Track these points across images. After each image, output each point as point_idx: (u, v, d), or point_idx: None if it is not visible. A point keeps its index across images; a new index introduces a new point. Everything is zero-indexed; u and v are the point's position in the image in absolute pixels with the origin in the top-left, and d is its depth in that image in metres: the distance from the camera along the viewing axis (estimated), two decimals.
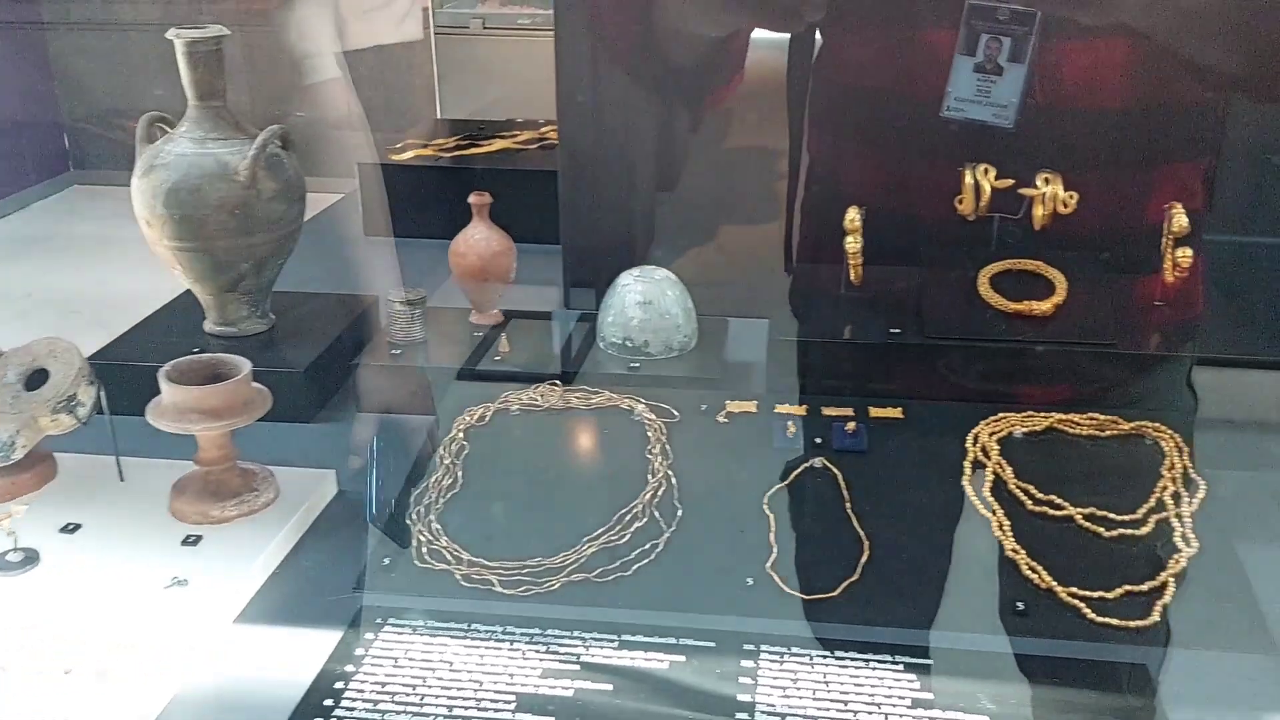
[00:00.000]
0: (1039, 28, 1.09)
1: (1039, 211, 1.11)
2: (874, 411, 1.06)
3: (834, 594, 0.86)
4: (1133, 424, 1.02)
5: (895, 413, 1.06)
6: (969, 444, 1.00)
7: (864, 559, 0.88)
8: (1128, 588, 0.85)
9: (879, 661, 0.78)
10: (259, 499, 0.94)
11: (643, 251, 1.52)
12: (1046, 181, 1.11)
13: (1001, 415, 1.04)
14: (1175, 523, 0.90)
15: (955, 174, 1.12)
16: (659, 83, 1.32)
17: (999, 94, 1.16)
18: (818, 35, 1.24)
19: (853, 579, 0.87)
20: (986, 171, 1.11)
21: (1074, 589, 0.85)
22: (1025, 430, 1.02)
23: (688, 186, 1.70)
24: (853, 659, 0.78)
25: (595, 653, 0.79)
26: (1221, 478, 1.00)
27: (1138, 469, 0.97)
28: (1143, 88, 1.13)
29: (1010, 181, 1.11)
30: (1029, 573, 0.87)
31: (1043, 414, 1.04)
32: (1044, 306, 1.07)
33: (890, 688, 0.76)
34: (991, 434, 1.01)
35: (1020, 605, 0.84)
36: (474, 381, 1.12)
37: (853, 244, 1.10)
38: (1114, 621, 0.82)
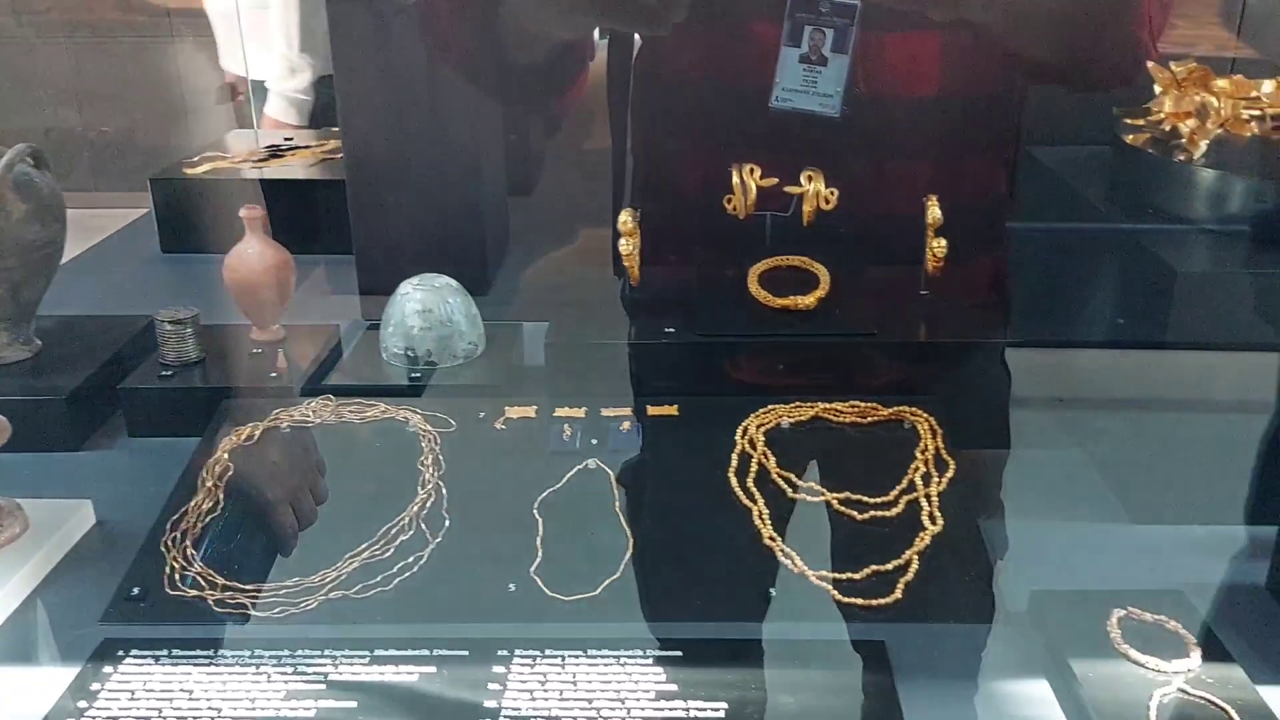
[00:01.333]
0: (859, 19, 1.13)
1: (806, 208, 1.15)
2: (651, 410, 1.07)
3: (595, 593, 0.87)
4: (892, 410, 1.06)
5: (671, 410, 1.08)
6: (738, 436, 1.03)
7: (627, 556, 0.90)
8: (874, 568, 0.88)
9: (630, 657, 0.80)
10: (1, 534, 0.90)
11: (497, 256, 1.51)
12: (809, 179, 1.14)
13: (771, 407, 1.07)
14: (924, 502, 0.95)
15: (783, 168, 1.15)
16: (500, 86, 1.30)
17: (824, 84, 1.20)
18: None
19: (614, 577, 0.88)
20: (752, 171, 1.14)
21: (824, 572, 0.88)
22: (792, 421, 1.05)
23: (546, 190, 1.70)
24: (604, 656, 0.80)
25: (344, 670, 0.78)
26: (973, 456, 1.07)
27: (894, 452, 1.01)
28: (955, 78, 1.17)
29: (775, 180, 1.15)
30: (783, 559, 0.89)
31: (809, 404, 1.07)
32: (807, 301, 1.11)
33: (637, 682, 0.77)
34: (760, 426, 1.04)
35: (772, 591, 0.87)
36: (249, 398, 1.10)
37: (626, 246, 1.11)
38: (859, 601, 0.85)
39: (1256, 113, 0.97)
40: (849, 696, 0.77)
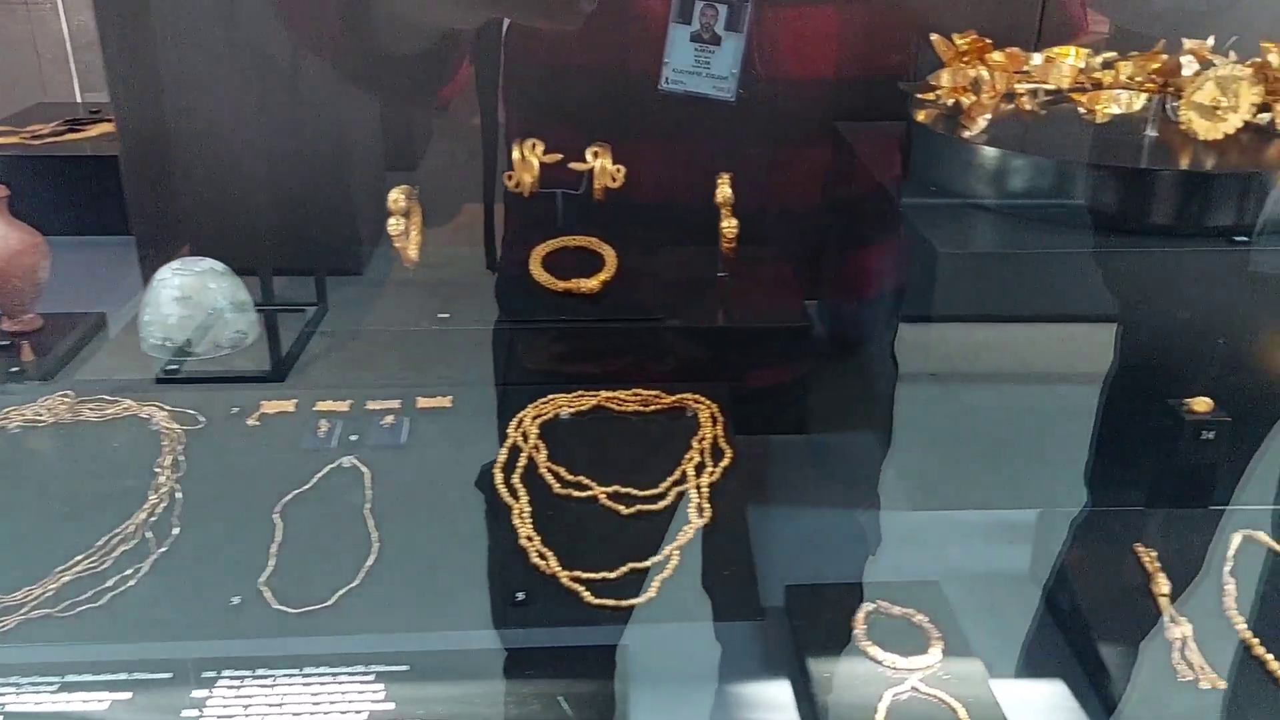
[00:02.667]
0: None
1: (597, 185, 1.10)
2: (421, 402, 1.02)
3: (328, 604, 0.81)
4: (675, 397, 1.02)
5: (444, 402, 1.02)
6: (511, 429, 0.98)
7: (369, 563, 0.84)
8: (632, 565, 0.84)
9: (350, 674, 0.74)
10: None
11: (373, 235, 1.41)
12: (595, 155, 1.09)
13: (551, 397, 1.02)
14: (694, 494, 0.91)
15: (666, 153, 1.10)
16: (369, 76, 1.19)
17: (718, 65, 1.14)
18: None
19: (352, 586, 0.82)
20: (535, 146, 1.09)
21: (578, 572, 0.83)
22: (572, 411, 1.01)
23: (434, 165, 1.61)
24: (321, 674, 0.74)
25: (27, 699, 0.71)
26: (758, 444, 1.03)
27: (672, 442, 0.97)
28: (856, 56, 1.13)
29: (559, 156, 1.09)
30: (537, 560, 0.84)
31: (592, 393, 1.02)
32: (591, 284, 1.06)
33: (351, 702, 0.72)
34: (536, 417, 0.99)
35: (520, 596, 0.82)
36: None
37: (395, 225, 1.05)
38: (610, 602, 0.81)
39: (1030, 87, 0.95)
40: (576, 707, 0.72)
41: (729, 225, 1.09)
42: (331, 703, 0.71)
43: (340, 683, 0.73)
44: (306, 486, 0.91)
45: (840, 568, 0.89)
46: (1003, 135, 0.97)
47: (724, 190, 1.07)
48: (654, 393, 1.01)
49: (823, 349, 1.23)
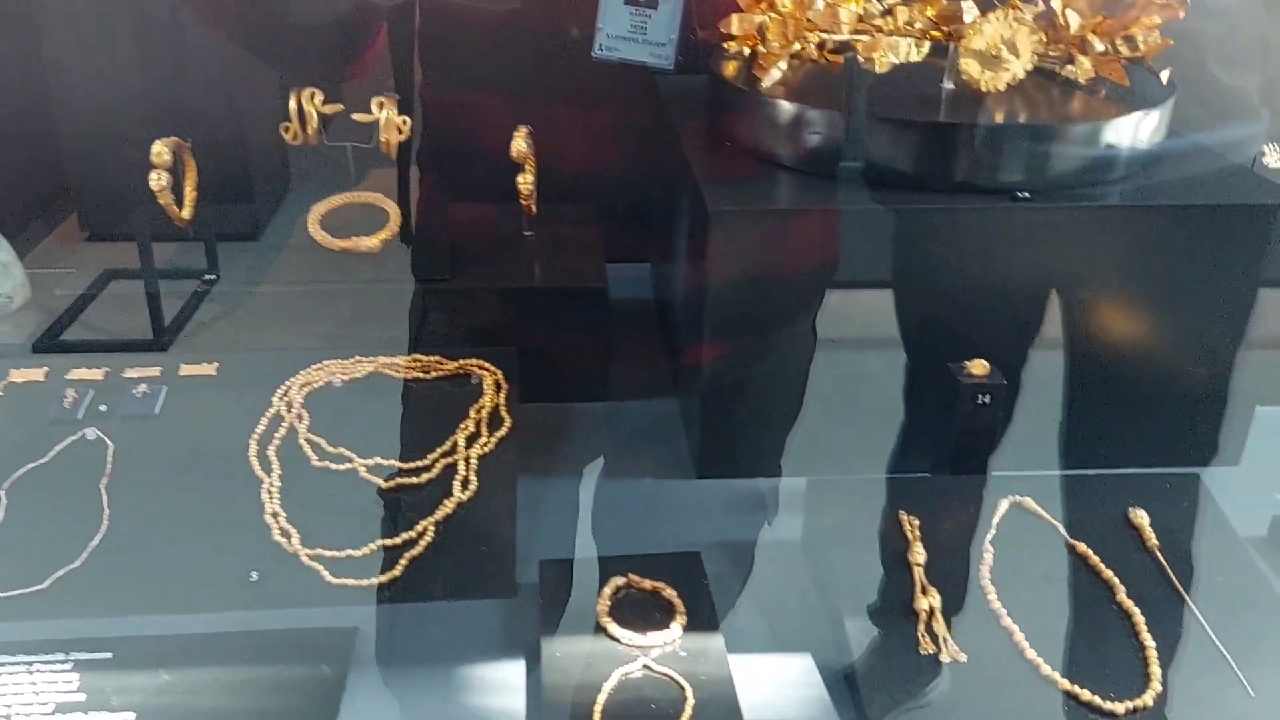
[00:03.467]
0: None
1: (383, 138, 1.04)
2: (184, 369, 0.95)
3: (42, 587, 0.75)
4: (458, 363, 0.97)
5: (208, 369, 0.95)
6: (276, 398, 0.92)
7: (94, 543, 0.78)
8: (382, 542, 0.79)
9: (46, 663, 0.68)
10: None
11: (273, 199, 1.33)
12: (381, 106, 1.03)
13: (325, 363, 0.96)
14: (461, 466, 0.86)
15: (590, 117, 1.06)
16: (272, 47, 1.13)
17: (655, 31, 1.07)
18: None
19: (72, 566, 0.76)
20: (314, 96, 1.02)
21: (321, 550, 0.78)
22: (346, 378, 0.95)
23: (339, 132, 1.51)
24: (12, 664, 0.68)
25: None
26: (549, 411, 0.99)
27: (448, 411, 0.92)
28: None
29: (340, 107, 1.03)
30: (280, 538, 0.79)
31: (369, 359, 0.97)
32: (370, 243, 1.00)
33: (39, 693, 0.66)
34: (305, 385, 0.93)
35: (255, 575, 0.76)
36: None
37: (156, 180, 0.97)
38: (350, 582, 0.76)
39: (816, 36, 0.91)
40: (292, 693, 0.68)
41: (524, 181, 1.03)
42: (16, 695, 0.65)
43: (32, 672, 0.67)
44: (43, 460, 0.84)
45: (622, 540, 0.85)
46: (790, 87, 0.94)
47: (519, 144, 1.02)
48: (435, 359, 0.96)
49: (637, 312, 1.19)
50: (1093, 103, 0.93)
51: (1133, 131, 0.90)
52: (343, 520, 0.80)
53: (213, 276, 1.03)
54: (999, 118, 0.89)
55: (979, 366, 0.83)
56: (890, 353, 0.92)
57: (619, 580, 0.73)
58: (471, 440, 0.88)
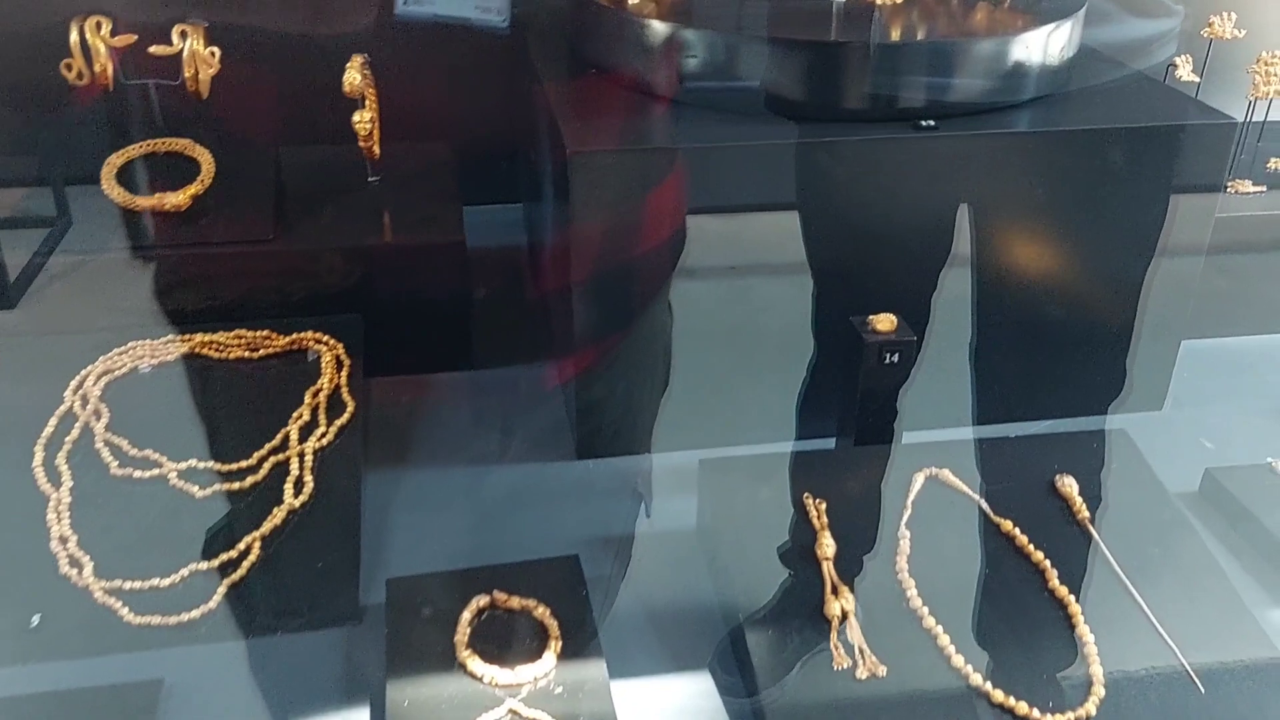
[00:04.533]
0: None
1: (188, 74, 0.88)
2: None
3: None
4: (291, 337, 0.83)
5: None
6: (69, 391, 0.77)
7: None
8: (196, 566, 0.66)
9: None
10: None
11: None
12: (184, 35, 0.87)
13: (131, 345, 0.81)
14: (294, 464, 0.73)
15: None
16: None
17: None
18: None
19: None
20: (100, 26, 0.86)
21: (120, 582, 0.65)
22: (155, 362, 0.81)
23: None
24: None
25: None
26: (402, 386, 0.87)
27: (280, 397, 0.78)
28: None
29: (133, 38, 0.86)
30: (68, 569, 0.65)
31: (184, 337, 0.82)
32: (178, 199, 0.84)
33: None
34: (104, 374, 0.79)
35: (36, 620, 0.63)
36: None
37: None
38: (156, 620, 0.63)
39: None
40: None
41: (361, 120, 0.89)
42: None
43: None
44: None
45: (488, 541, 0.73)
46: (662, 3, 0.81)
47: (351, 76, 0.87)
48: (264, 333, 0.82)
49: (507, 261, 1.07)
50: (998, 15, 0.84)
51: (1042, 47, 0.80)
52: (148, 541, 0.67)
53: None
54: (896, 35, 0.78)
55: (885, 321, 0.74)
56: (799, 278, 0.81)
57: (482, 600, 0.62)
58: (307, 432, 0.75)
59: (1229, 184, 0.99)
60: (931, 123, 0.75)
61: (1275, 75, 0.99)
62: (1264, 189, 0.99)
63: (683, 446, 0.81)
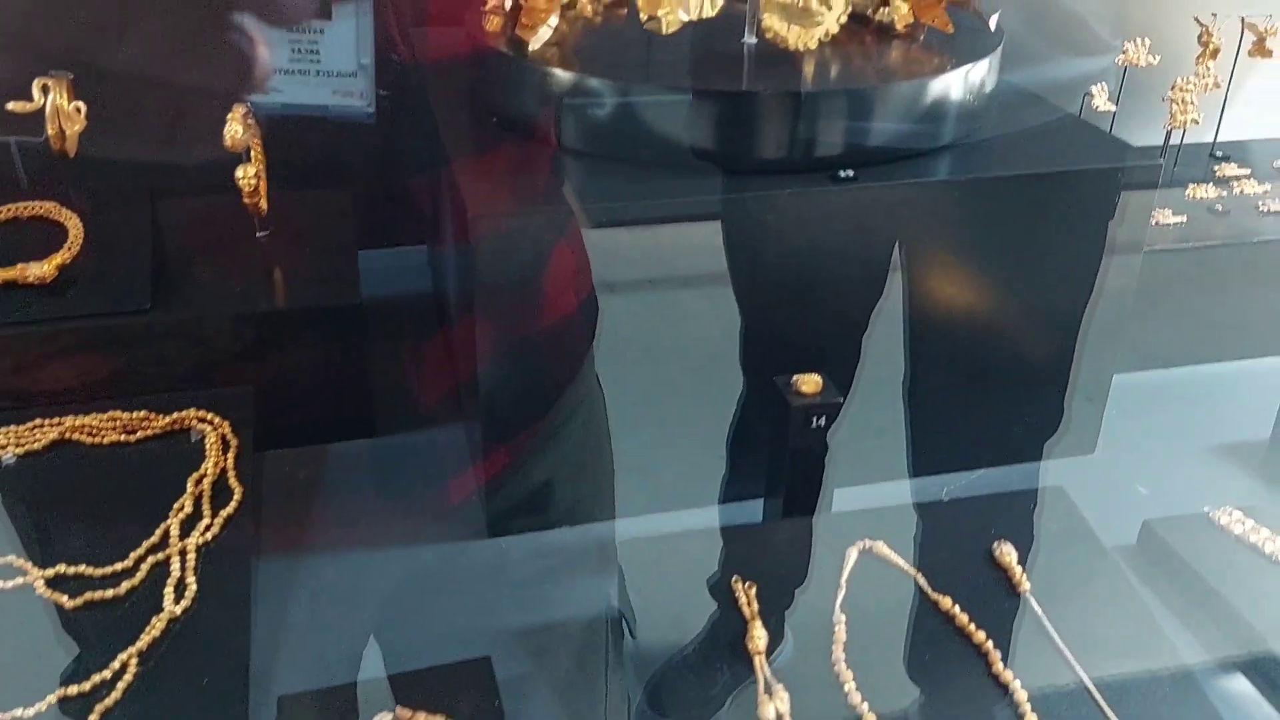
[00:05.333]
0: None
1: (52, 130, 0.81)
2: None
3: None
4: (172, 416, 0.76)
5: None
6: None
7: None
8: (64, 692, 0.59)
9: None
10: None
11: None
12: (46, 90, 0.80)
13: None
14: (175, 563, 0.67)
15: None
16: None
17: (333, 56, 0.80)
18: None
19: None
20: None
21: None
22: (20, 450, 0.73)
23: None
24: None
25: None
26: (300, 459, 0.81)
27: (161, 485, 0.72)
28: None
29: None
30: None
31: (54, 421, 0.75)
32: (42, 270, 0.77)
33: None
34: None
35: None
36: None
37: None
38: None
39: None
40: None
41: (245, 175, 0.83)
42: None
43: None
44: None
45: (394, 639, 0.68)
46: (565, 50, 0.76)
47: (232, 129, 0.81)
48: (141, 414, 0.76)
49: (413, 308, 1.01)
50: (914, 55, 0.80)
51: (961, 88, 0.77)
52: (9, 664, 0.60)
53: None
54: (810, 81, 0.74)
55: (810, 383, 0.70)
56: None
57: (384, 717, 0.57)
58: (189, 525, 0.69)
59: (1153, 213, 0.98)
60: (850, 173, 0.72)
61: (1191, 104, 0.98)
62: (1185, 218, 0.98)
63: (604, 514, 0.76)
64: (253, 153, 0.84)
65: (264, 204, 0.86)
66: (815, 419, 0.69)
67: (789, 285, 0.76)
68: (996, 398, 0.84)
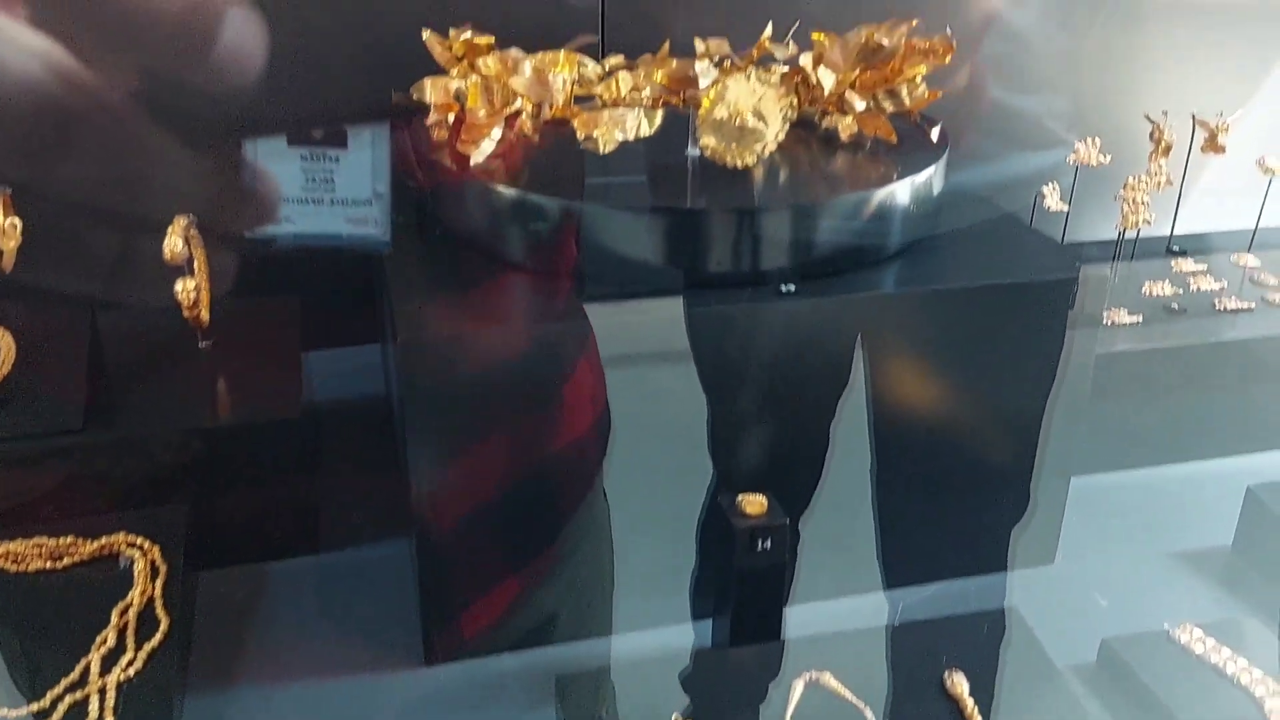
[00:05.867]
0: None
1: None
2: None
3: None
4: (100, 541, 0.74)
5: None
6: None
7: None
8: None
9: None
10: None
11: None
12: None
13: None
14: (94, 703, 0.64)
15: None
16: None
17: (348, 183, 0.79)
18: None
19: None
20: None
21: None
22: None
23: None
24: None
25: None
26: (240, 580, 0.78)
27: (86, 616, 0.69)
28: None
29: None
30: None
31: None
32: None
33: None
34: None
35: None
36: None
37: None
38: None
39: (529, 105, 0.73)
40: None
41: (185, 289, 0.81)
42: None
43: None
44: None
45: None
46: (507, 165, 0.76)
47: (173, 242, 0.79)
48: (68, 539, 0.73)
49: (363, 411, 0.99)
50: (860, 163, 0.80)
51: (907, 197, 0.77)
52: None
53: None
54: (755, 195, 0.74)
55: (754, 504, 0.68)
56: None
57: None
58: (112, 660, 0.66)
59: (1106, 314, 0.97)
60: (791, 287, 0.71)
61: (1143, 203, 0.98)
62: (1140, 317, 0.98)
63: (545, 638, 0.74)
64: (195, 264, 0.83)
65: (205, 315, 0.84)
66: (761, 541, 0.67)
67: (753, 378, 0.75)
68: (959, 493, 0.83)
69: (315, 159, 0.76)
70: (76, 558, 0.73)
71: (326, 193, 0.76)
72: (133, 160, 0.82)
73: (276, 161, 0.76)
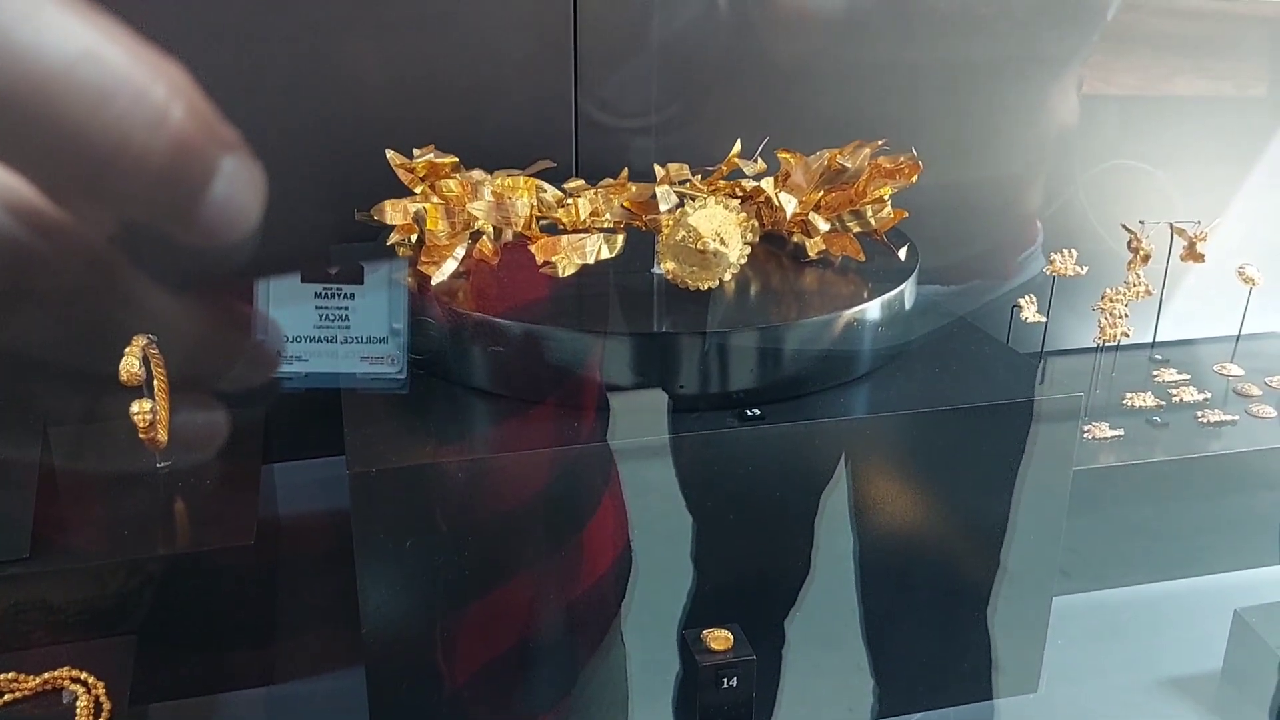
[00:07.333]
0: None
1: None
2: None
3: None
4: (44, 676, 0.71)
5: None
6: None
7: None
8: None
9: None
10: None
11: None
12: None
13: None
14: None
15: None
16: None
17: (363, 321, 0.77)
18: None
19: None
20: None
21: None
22: None
23: None
24: None
25: None
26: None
27: None
28: None
29: None
30: None
31: None
32: None
33: None
34: None
35: None
36: None
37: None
38: None
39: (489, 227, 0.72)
40: None
41: (141, 411, 0.79)
42: None
43: None
44: None
45: None
46: (469, 287, 0.75)
47: (129, 363, 0.78)
48: (10, 675, 0.70)
49: (330, 528, 0.97)
50: (828, 281, 0.79)
51: (876, 318, 0.76)
52: None
53: None
54: (719, 318, 0.72)
55: (719, 640, 0.65)
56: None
57: None
58: None
59: (1085, 429, 0.96)
60: (756, 412, 0.69)
61: (1122, 316, 0.97)
62: (1122, 431, 0.96)
63: None
64: (155, 384, 0.81)
65: (162, 436, 0.82)
66: (726, 679, 0.65)
67: (730, 485, 0.73)
68: (941, 615, 0.80)
69: (330, 295, 0.74)
70: (19, 694, 0.70)
71: (341, 330, 0.74)
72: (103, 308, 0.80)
73: (289, 299, 0.74)
